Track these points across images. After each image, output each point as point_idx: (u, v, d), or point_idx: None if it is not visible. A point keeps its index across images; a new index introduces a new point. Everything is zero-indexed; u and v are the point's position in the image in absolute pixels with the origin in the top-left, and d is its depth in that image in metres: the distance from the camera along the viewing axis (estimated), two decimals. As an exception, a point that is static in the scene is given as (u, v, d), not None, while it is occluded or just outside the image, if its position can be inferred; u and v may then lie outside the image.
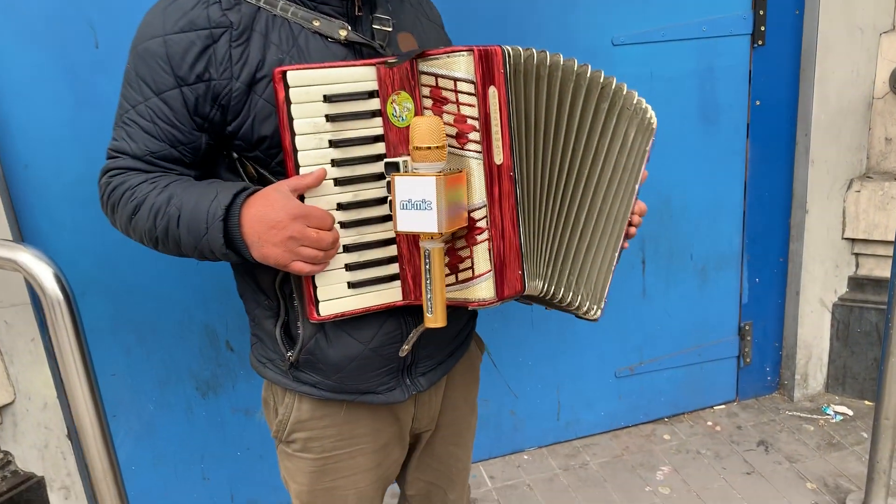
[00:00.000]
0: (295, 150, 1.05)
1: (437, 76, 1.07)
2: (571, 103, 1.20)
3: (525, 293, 1.17)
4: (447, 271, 1.12)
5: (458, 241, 1.11)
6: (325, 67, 1.06)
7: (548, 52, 1.17)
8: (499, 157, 1.09)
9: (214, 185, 1.07)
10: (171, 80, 1.05)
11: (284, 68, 1.03)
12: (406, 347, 1.19)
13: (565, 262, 1.23)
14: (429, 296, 1.08)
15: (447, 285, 1.13)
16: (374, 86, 1.08)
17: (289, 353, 1.18)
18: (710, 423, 2.68)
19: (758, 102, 2.45)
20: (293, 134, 1.05)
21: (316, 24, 1.10)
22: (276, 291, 1.16)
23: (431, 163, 1.03)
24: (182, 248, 1.07)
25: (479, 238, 1.10)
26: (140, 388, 2.12)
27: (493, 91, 1.07)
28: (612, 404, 2.62)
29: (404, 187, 1.04)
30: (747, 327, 2.69)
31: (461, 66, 1.05)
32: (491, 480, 2.44)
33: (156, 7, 1.08)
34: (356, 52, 1.12)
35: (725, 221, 2.55)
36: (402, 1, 1.25)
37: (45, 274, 1.36)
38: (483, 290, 1.11)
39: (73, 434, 2.05)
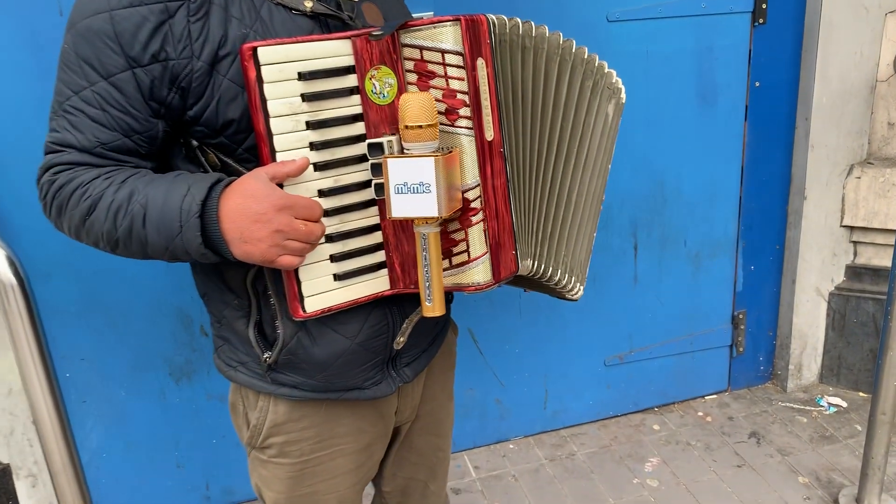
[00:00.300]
0: (270, 135, 0.96)
1: (421, 48, 0.99)
2: (558, 79, 1.14)
3: (518, 273, 1.13)
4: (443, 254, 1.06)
5: (450, 224, 1.04)
6: (297, 42, 0.97)
7: (532, 23, 1.11)
8: (490, 133, 1.03)
9: (183, 177, 0.97)
10: (121, 62, 0.93)
11: (253, 44, 0.93)
12: (401, 339, 1.13)
13: (552, 239, 1.19)
14: (427, 283, 1.01)
15: (445, 269, 1.07)
16: (350, 61, 0.99)
17: (266, 355, 1.10)
18: (700, 414, 2.61)
19: (757, 84, 2.36)
20: (267, 116, 0.96)
21: None
22: (248, 289, 1.08)
23: (425, 142, 0.96)
24: (149, 249, 0.97)
25: (473, 220, 1.04)
26: (111, 374, 2.04)
27: (481, 63, 1.00)
28: (601, 393, 2.55)
29: (400, 170, 0.96)
30: (741, 316, 2.62)
31: (448, 36, 0.97)
32: (475, 470, 2.38)
33: None
34: (322, 24, 1.03)
35: (721, 207, 2.47)
36: None
37: (-5, 257, 1.28)
38: (479, 273, 1.05)
39: (40, 420, 1.97)
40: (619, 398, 2.58)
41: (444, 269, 1.06)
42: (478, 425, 2.45)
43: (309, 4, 1.01)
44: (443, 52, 0.98)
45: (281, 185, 0.97)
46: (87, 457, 2.08)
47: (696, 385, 2.68)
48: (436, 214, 0.96)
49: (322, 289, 1.04)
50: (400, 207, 0.97)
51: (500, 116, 1.05)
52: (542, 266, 1.17)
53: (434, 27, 0.98)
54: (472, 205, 1.03)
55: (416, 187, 0.96)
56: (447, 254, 1.06)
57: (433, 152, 0.96)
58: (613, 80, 1.26)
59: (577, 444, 2.48)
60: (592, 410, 2.57)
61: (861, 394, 2.67)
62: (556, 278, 1.20)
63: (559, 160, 1.18)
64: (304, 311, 1.03)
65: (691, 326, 2.57)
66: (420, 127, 0.96)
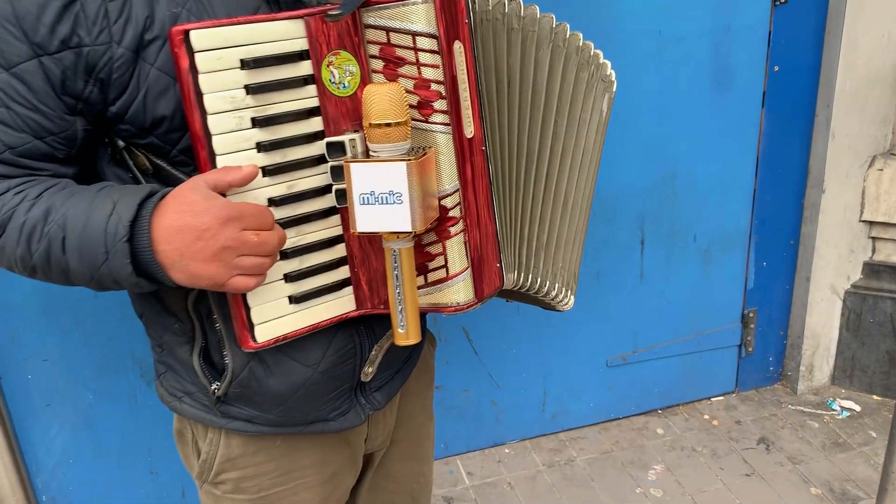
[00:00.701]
0: (208, 135, 0.81)
1: (388, 30, 0.83)
2: (550, 68, 1.01)
3: (503, 288, 0.99)
4: (417, 270, 0.91)
5: (426, 237, 0.89)
6: (238, 24, 0.80)
7: (521, 1, 0.96)
8: (469, 130, 0.88)
9: (107, 191, 0.81)
10: (24, 49, 0.77)
11: (185, 26, 0.77)
12: (370, 370, 0.98)
13: (541, 247, 1.06)
14: (400, 307, 0.87)
15: (421, 287, 0.92)
16: (303, 44, 0.83)
17: (214, 386, 0.95)
18: (706, 417, 2.48)
19: (776, 68, 2.20)
20: (204, 114, 0.80)
21: None
22: (190, 313, 0.92)
23: (394, 143, 0.81)
24: (72, 277, 0.81)
25: (452, 231, 0.89)
26: (77, 375, 1.89)
27: (458, 47, 0.85)
28: (602, 395, 2.42)
29: (365, 177, 0.81)
30: (751, 314, 2.48)
31: (420, 16, 0.82)
32: (469, 477, 2.25)
33: None
34: (271, 1, 0.87)
35: (734, 199, 2.31)
36: None
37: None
38: (460, 291, 0.91)
39: (1, 425, 1.83)
40: (621, 400, 2.45)
41: (420, 288, 0.91)
42: (472, 428, 2.32)
43: None
44: (413, 34, 0.82)
45: (223, 195, 0.81)
46: (53, 462, 1.94)
47: (702, 386, 2.54)
48: (409, 229, 0.81)
49: (275, 314, 0.88)
50: (366, 221, 0.82)
51: (482, 109, 0.90)
52: (531, 278, 1.04)
53: (403, 5, 0.82)
54: (451, 213, 0.89)
55: (385, 197, 0.81)
56: (422, 270, 0.91)
57: (404, 155, 0.81)
58: (608, 73, 1.14)
59: (577, 448, 2.35)
60: (593, 413, 2.43)
61: (875, 397, 2.53)
62: (545, 289, 1.08)
63: (553, 159, 1.04)
64: (255, 341, 0.88)
65: (699, 325, 2.43)
66: (388, 125, 0.80)
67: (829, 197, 2.33)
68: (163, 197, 0.79)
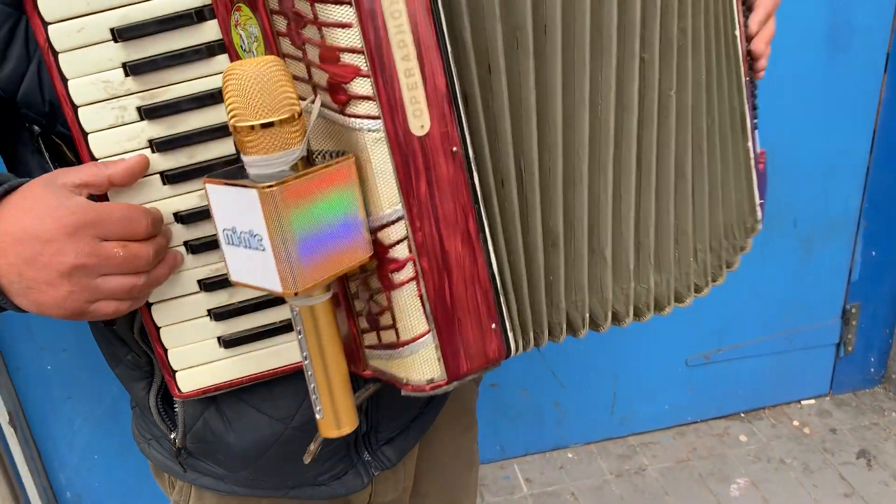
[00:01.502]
0: (83, 132, 0.60)
1: None
2: None
3: (512, 356, 0.68)
4: (365, 324, 0.64)
5: (371, 277, 0.62)
6: None
7: None
8: (420, 123, 0.58)
9: None
10: None
11: None
12: (312, 448, 0.72)
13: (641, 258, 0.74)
14: (312, 385, 0.61)
15: (369, 347, 0.66)
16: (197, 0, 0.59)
17: (173, 435, 0.75)
18: (796, 423, 2.21)
19: (905, 25, 1.86)
20: (74, 106, 0.59)
21: None
22: (139, 343, 0.72)
23: (270, 155, 0.54)
24: None
25: (396, 278, 0.61)
26: (100, 366, 1.71)
27: None
28: (680, 397, 2.16)
29: (223, 204, 0.56)
30: (854, 310, 2.17)
31: None
32: (527, 484, 2.03)
33: None
34: None
35: (843, 180, 2.00)
36: None
37: None
38: (420, 366, 0.63)
39: (17, 420, 1.68)
40: (700, 402, 2.19)
41: (371, 347, 0.66)
42: (531, 430, 2.10)
43: None
44: None
45: (101, 199, 0.61)
46: (76, 458, 1.79)
47: (792, 388, 2.26)
48: (277, 289, 0.54)
49: (202, 359, 0.68)
50: (238, 268, 0.57)
51: (451, 83, 0.58)
52: (588, 315, 0.73)
53: None
54: (394, 253, 0.60)
55: (246, 239, 0.55)
56: (373, 323, 0.64)
57: (272, 178, 0.53)
58: None
59: (649, 455, 2.11)
60: (668, 416, 2.18)
61: None
62: (630, 318, 0.76)
63: (624, 134, 0.69)
64: (179, 389, 0.69)
65: (793, 322, 2.14)
66: (251, 128, 0.53)
67: (956, 178, 2.00)
68: (11, 191, 0.58)
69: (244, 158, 0.54)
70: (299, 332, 0.59)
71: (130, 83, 0.60)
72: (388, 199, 0.58)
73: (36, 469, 1.73)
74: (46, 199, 0.56)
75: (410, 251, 0.60)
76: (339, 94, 0.56)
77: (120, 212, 0.58)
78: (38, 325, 1.65)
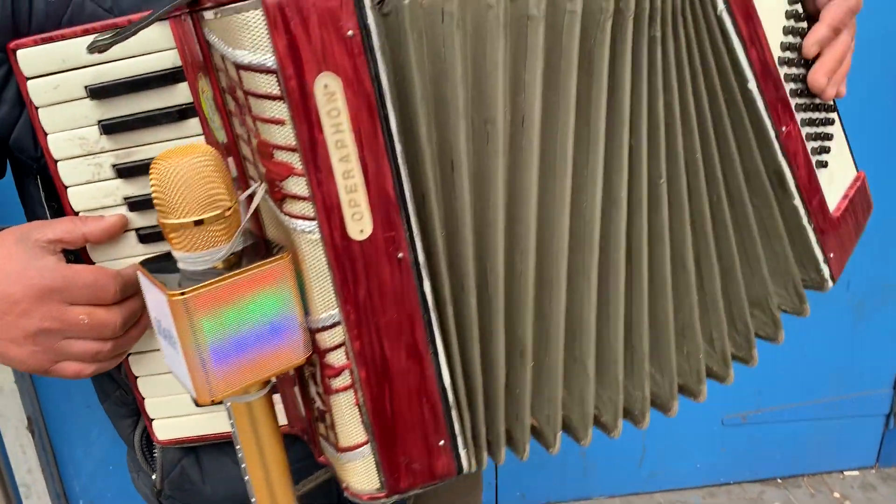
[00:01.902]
0: (63, 185, 0.62)
1: (223, 59, 0.53)
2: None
3: (465, 472, 0.62)
4: (317, 413, 0.61)
5: (314, 374, 0.59)
6: (82, 34, 0.57)
7: None
8: (360, 227, 0.53)
9: None
10: None
11: (16, 42, 0.57)
12: None
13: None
14: (246, 477, 0.57)
15: (321, 435, 0.62)
16: (174, 59, 0.57)
17: (154, 476, 0.76)
18: (837, 495, 2.09)
19: (980, 86, 1.76)
20: (54, 160, 0.61)
21: None
22: (126, 380, 0.71)
23: (194, 252, 0.50)
24: None
25: (334, 384, 0.57)
26: (122, 377, 1.72)
27: (328, 83, 0.50)
28: (713, 456, 2.06)
29: (148, 293, 0.53)
30: (907, 380, 2.06)
31: (244, 34, 0.49)
32: (545, 534, 1.96)
33: None
34: None
35: (903, 242, 1.90)
36: None
37: None
38: (359, 475, 0.59)
39: (35, 425, 1.69)
40: (734, 464, 2.09)
41: (322, 437, 0.63)
42: (555, 479, 2.02)
43: None
44: (238, 67, 0.51)
45: (84, 259, 0.61)
46: (92, 467, 1.79)
47: (835, 456, 2.14)
48: (193, 395, 0.51)
49: (176, 411, 0.68)
50: (168, 356, 0.53)
51: (399, 184, 0.53)
52: (551, 433, 0.68)
53: (223, 14, 0.50)
54: (331, 359, 0.56)
55: (167, 334, 0.51)
56: (321, 418, 0.61)
57: (189, 280, 0.49)
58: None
59: (676, 515, 2.02)
60: (699, 475, 2.09)
61: None
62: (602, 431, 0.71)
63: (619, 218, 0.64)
64: (157, 436, 0.70)
65: (841, 388, 2.03)
66: (174, 226, 0.49)
67: None
68: None
69: (173, 253, 0.50)
70: (233, 429, 0.55)
71: (105, 141, 0.60)
72: (325, 302, 0.55)
73: (51, 475, 1.73)
74: (18, 257, 0.56)
75: (348, 358, 0.56)
76: (275, 190, 0.53)
77: (88, 277, 0.57)
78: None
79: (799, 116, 0.74)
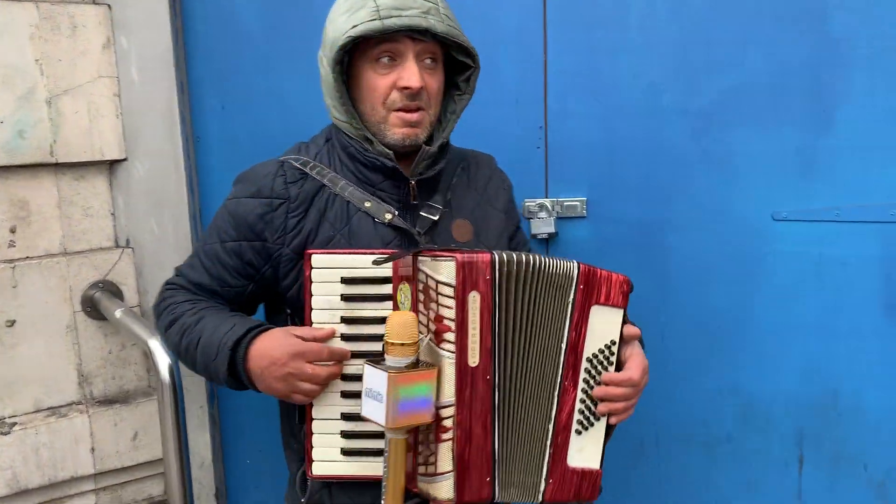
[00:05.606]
0: (311, 321, 1.23)
1: (427, 275, 1.16)
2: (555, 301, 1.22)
3: (496, 501, 1.18)
4: (421, 460, 1.17)
5: (429, 434, 1.16)
6: (347, 254, 1.21)
7: (539, 256, 1.20)
8: (473, 360, 1.14)
9: (236, 317, 1.27)
10: (233, 234, 1.28)
11: (312, 251, 1.21)
12: None
13: (536, 465, 1.23)
14: (384, 488, 1.12)
15: (421, 475, 1.17)
16: (388, 273, 1.20)
17: (302, 500, 1.32)
18: None
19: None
20: (311, 308, 1.22)
21: (367, 204, 1.27)
22: (304, 438, 1.27)
23: (398, 357, 1.10)
24: (196, 367, 1.28)
25: (443, 436, 1.15)
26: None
27: (474, 297, 1.13)
28: None
29: (368, 376, 1.12)
30: (941, 569, 2.17)
31: (444, 270, 1.13)
32: None
33: (246, 171, 1.33)
34: (401, 234, 1.25)
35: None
36: (469, 188, 1.37)
37: (162, 363, 1.69)
38: (442, 489, 1.15)
39: (222, 494, 2.39)
40: None
41: (420, 475, 1.16)
42: None
43: (388, 217, 1.26)
44: (437, 282, 1.13)
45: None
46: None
47: None
48: (383, 423, 1.07)
49: (329, 457, 1.24)
50: (366, 408, 1.12)
51: (494, 344, 1.13)
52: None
53: (434, 260, 1.14)
54: (445, 422, 1.14)
55: (376, 394, 1.09)
56: (424, 460, 1.16)
57: (398, 368, 1.07)
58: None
59: None
60: None
61: None
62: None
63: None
64: (312, 471, 1.24)
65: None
66: (392, 344, 1.09)
67: None
68: (266, 329, 1.23)
69: (386, 357, 1.10)
70: (386, 454, 1.11)
71: (342, 304, 1.20)
72: (448, 393, 1.13)
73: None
74: (281, 337, 1.19)
75: (453, 424, 1.12)
76: (438, 338, 1.14)
77: (315, 347, 1.18)
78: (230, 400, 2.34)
79: (580, 387, 1.29)
